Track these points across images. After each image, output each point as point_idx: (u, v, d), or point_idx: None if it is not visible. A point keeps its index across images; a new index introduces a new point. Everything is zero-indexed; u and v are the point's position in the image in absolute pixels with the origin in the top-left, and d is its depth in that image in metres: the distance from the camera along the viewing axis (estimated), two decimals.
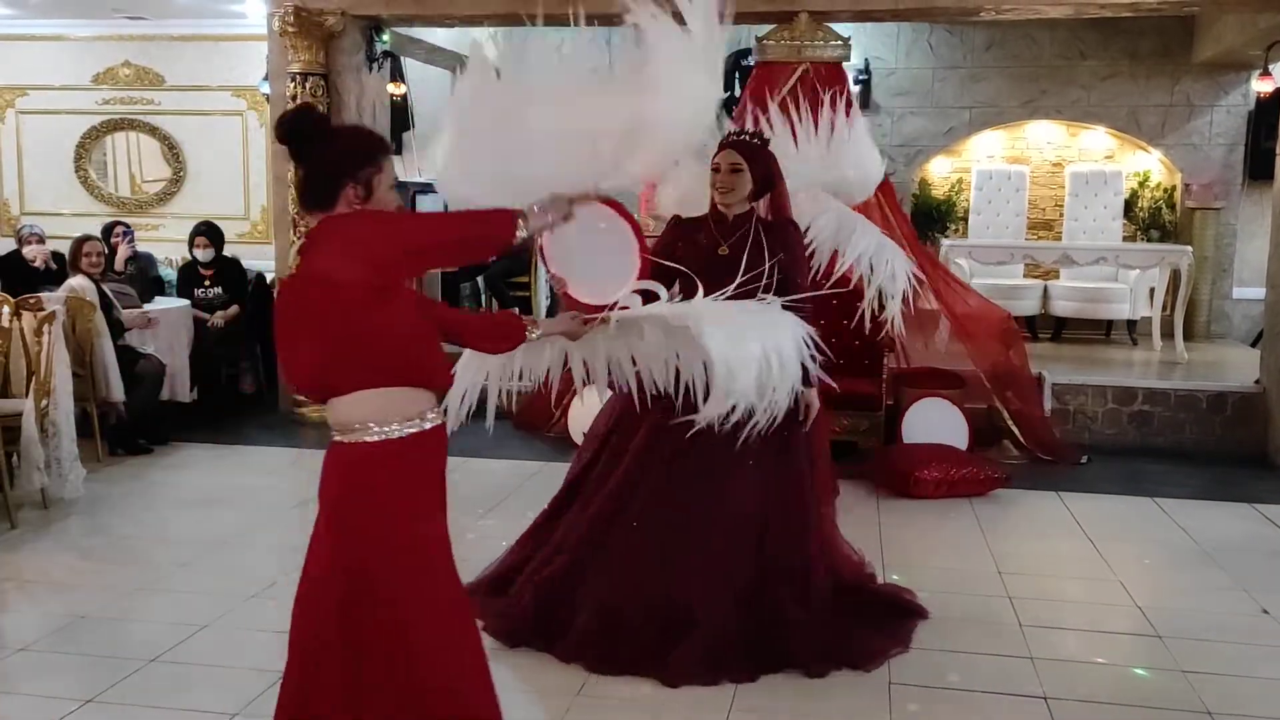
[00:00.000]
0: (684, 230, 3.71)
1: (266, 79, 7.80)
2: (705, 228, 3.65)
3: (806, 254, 3.71)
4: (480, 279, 9.40)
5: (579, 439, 6.48)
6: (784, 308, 3.35)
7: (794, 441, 3.62)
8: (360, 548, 2.24)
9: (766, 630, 3.49)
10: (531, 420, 6.99)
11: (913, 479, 5.62)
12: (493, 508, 5.31)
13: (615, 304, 3.47)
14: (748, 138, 3.66)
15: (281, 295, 2.40)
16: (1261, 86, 7.77)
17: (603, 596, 3.53)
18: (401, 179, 8.39)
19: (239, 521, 5.02)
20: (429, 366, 2.32)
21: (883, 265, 4.65)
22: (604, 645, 3.45)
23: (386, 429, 2.24)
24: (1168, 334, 8.25)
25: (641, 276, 3.43)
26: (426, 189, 9.11)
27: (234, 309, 7.33)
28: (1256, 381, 6.88)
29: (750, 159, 3.58)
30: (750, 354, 3.11)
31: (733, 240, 3.56)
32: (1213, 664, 3.64)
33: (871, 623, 3.75)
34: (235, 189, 9.10)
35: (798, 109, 6.31)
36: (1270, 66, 7.14)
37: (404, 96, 9.59)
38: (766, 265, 3.47)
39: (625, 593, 3.51)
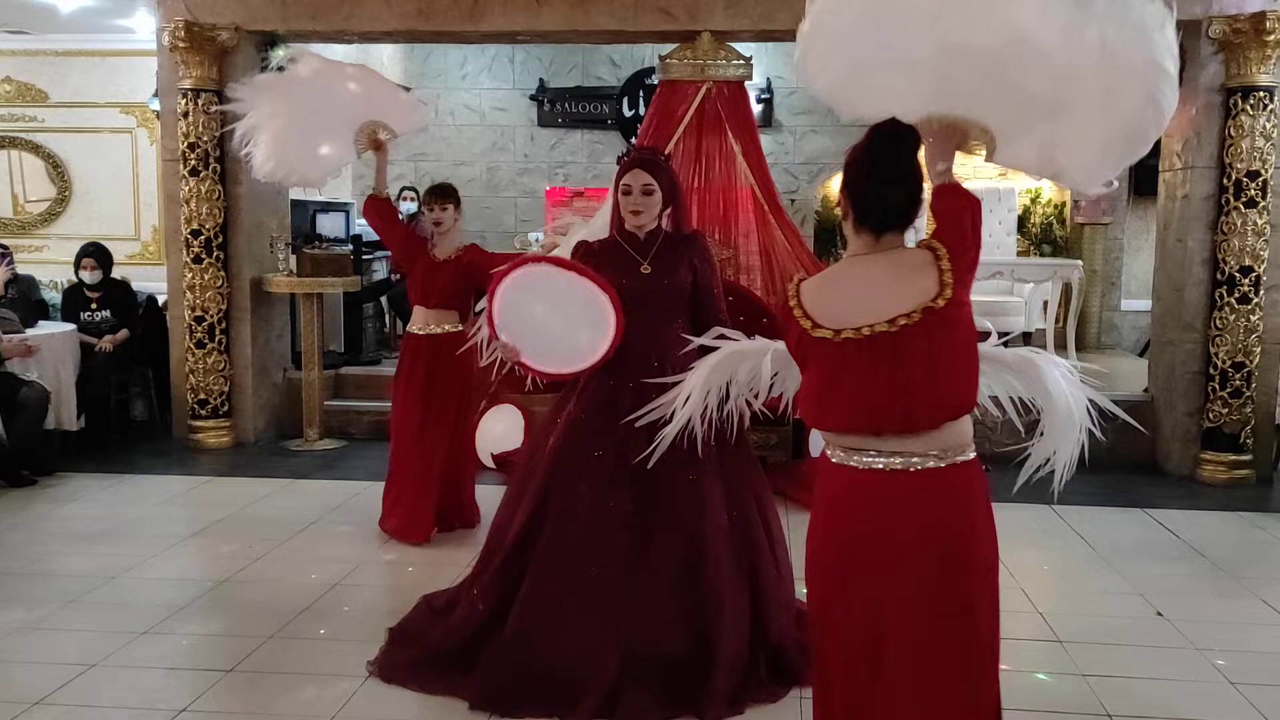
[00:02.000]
0: (596, 255, 3.66)
1: (157, 95, 7.56)
2: (619, 249, 3.63)
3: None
4: (384, 299, 9.24)
5: (488, 460, 6.40)
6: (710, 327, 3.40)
7: (735, 449, 3.59)
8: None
9: (770, 649, 3.48)
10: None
11: None
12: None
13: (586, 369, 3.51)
14: (650, 155, 3.67)
15: None
16: None
17: (632, 646, 3.36)
18: (300, 198, 8.22)
19: (131, 554, 4.81)
20: None
21: None
22: (623, 702, 3.28)
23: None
24: (1061, 345, 8.51)
25: (616, 338, 3.46)
26: (326, 208, 8.93)
27: (123, 333, 7.07)
28: (1145, 390, 7.13)
29: (659, 177, 3.59)
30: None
31: (651, 257, 3.57)
32: (1111, 667, 3.73)
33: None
34: (125, 209, 8.80)
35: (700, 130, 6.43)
36: None
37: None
38: (682, 278, 3.54)
39: (651, 639, 3.38)
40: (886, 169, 2.27)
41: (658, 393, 3.40)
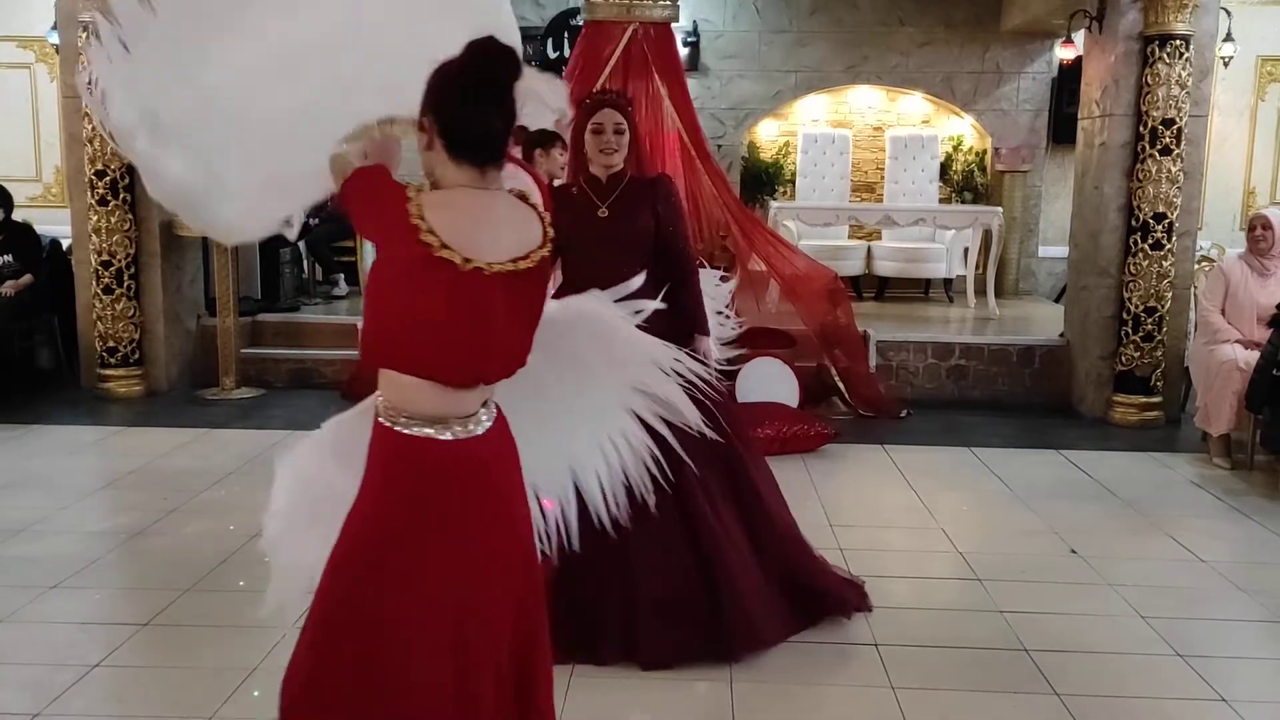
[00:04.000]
0: (559, 197, 3.63)
1: (55, 28, 7.19)
2: (580, 192, 3.58)
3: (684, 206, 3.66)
4: (302, 244, 8.99)
5: None
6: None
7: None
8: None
9: (792, 579, 3.50)
10: (359, 390, 6.75)
11: None
12: None
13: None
14: (618, 96, 3.64)
15: None
16: (1064, 54, 8.17)
17: (626, 591, 3.33)
18: None
19: (39, 506, 4.64)
20: None
21: None
22: (643, 642, 3.28)
23: None
24: (981, 292, 8.65)
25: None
26: None
27: (26, 278, 6.77)
28: (1061, 335, 7.29)
29: (629, 120, 3.55)
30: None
31: (610, 201, 3.52)
32: (1028, 603, 3.83)
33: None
34: (25, 148, 8.41)
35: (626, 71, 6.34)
36: (1072, 34, 7.51)
37: None
38: (645, 223, 3.48)
39: (644, 580, 3.34)
40: (488, 90, 1.97)
41: None
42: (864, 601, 3.68)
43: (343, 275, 9.15)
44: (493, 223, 2.01)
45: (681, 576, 3.34)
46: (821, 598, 3.57)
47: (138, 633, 3.45)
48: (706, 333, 3.57)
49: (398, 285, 1.98)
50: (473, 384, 2.02)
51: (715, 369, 3.50)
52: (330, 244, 9.04)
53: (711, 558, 3.35)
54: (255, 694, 3.07)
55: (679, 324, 3.49)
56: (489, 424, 2.07)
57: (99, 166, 6.56)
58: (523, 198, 2.10)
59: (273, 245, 8.08)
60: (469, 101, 1.97)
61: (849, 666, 3.35)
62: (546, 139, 4.72)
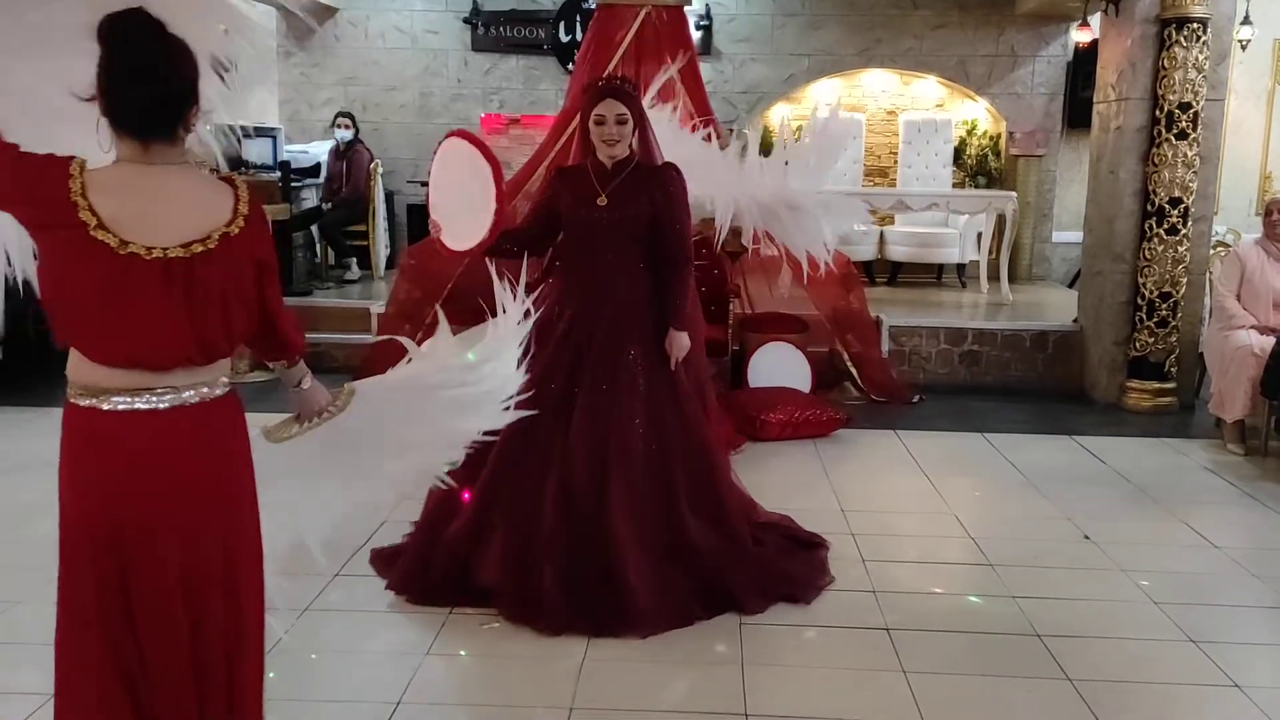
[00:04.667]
0: (566, 180, 3.71)
1: None
2: (585, 177, 3.61)
3: (686, 197, 3.67)
4: (315, 227, 9.02)
5: None
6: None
7: (671, 381, 3.63)
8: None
9: (698, 572, 3.52)
10: (373, 374, 6.77)
11: (759, 422, 5.70)
12: None
13: (473, 250, 3.46)
14: (621, 84, 3.62)
15: None
16: (1080, 37, 8.11)
17: (560, 560, 3.43)
18: (226, 121, 7.92)
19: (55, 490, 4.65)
20: None
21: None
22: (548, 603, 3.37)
23: None
24: (994, 277, 8.61)
25: (496, 223, 3.38)
26: (253, 134, 8.64)
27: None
28: (1074, 321, 7.26)
29: (632, 108, 3.54)
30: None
31: (610, 189, 3.53)
32: (1040, 589, 3.83)
33: (786, 555, 3.86)
34: None
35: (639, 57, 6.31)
36: (1088, 17, 7.45)
37: (225, 32, 9.03)
38: (639, 211, 3.52)
39: (565, 553, 3.44)
40: (137, 70, 1.94)
41: (607, 327, 3.50)
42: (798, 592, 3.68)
43: (355, 259, 9.16)
44: (162, 200, 1.97)
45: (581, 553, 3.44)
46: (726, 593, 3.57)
47: None
48: (682, 327, 3.59)
49: (54, 260, 1.95)
50: (131, 366, 1.98)
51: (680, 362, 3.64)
52: (343, 228, 9.05)
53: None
54: (271, 675, 3.08)
55: (662, 315, 3.59)
56: (193, 399, 2.03)
57: None
58: (228, 180, 2.07)
59: (286, 230, 8.10)
60: (116, 79, 1.94)
61: (861, 650, 3.35)
62: None
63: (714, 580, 3.53)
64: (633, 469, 3.51)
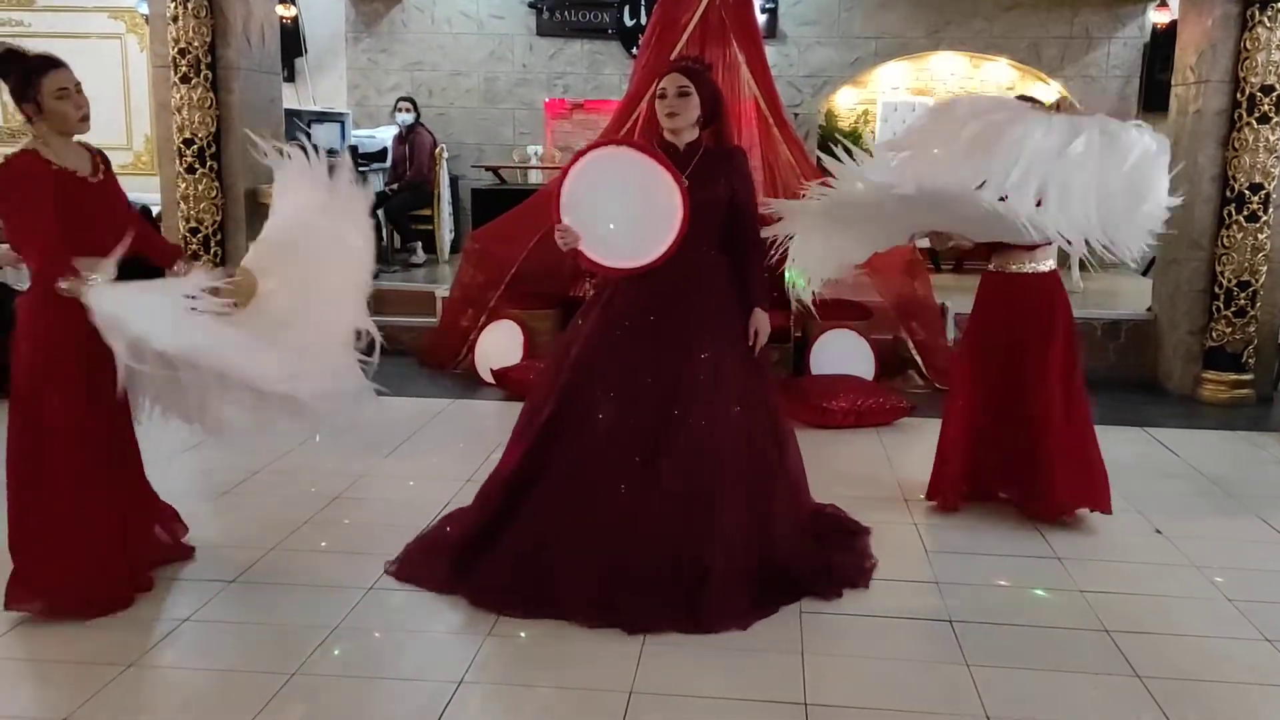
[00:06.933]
0: None
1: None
2: None
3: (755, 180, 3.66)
4: (381, 212, 9.13)
5: (487, 375, 6.39)
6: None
7: (756, 365, 3.63)
8: None
9: (772, 562, 3.50)
10: (438, 358, 6.86)
11: (822, 409, 5.66)
12: (397, 446, 5.20)
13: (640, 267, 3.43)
14: (690, 63, 3.61)
15: None
16: (1158, 18, 7.90)
17: (612, 558, 3.38)
18: (294, 106, 8.04)
19: None
20: None
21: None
22: (624, 607, 3.32)
23: None
24: (1064, 263, 8.42)
25: (675, 241, 3.39)
26: (321, 118, 8.77)
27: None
28: (1148, 309, 7.09)
29: (697, 83, 3.50)
30: None
31: (689, 172, 3.49)
32: (1109, 583, 3.75)
33: (839, 542, 3.86)
34: (116, 117, 8.62)
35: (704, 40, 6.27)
36: None
37: (295, 19, 9.19)
38: (719, 193, 3.49)
39: (633, 549, 3.38)
40: None
41: (685, 311, 3.47)
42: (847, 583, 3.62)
43: (420, 243, 9.27)
44: None
45: (654, 548, 3.37)
46: (794, 584, 3.52)
47: (224, 589, 3.56)
48: (765, 307, 3.59)
49: None
50: None
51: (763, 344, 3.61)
52: (408, 212, 9.16)
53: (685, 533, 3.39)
54: (336, 653, 3.15)
55: (741, 296, 3.58)
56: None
57: (186, 135, 6.70)
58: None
59: None
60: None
61: (924, 642, 3.32)
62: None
63: (787, 568, 3.51)
64: (726, 457, 3.45)
